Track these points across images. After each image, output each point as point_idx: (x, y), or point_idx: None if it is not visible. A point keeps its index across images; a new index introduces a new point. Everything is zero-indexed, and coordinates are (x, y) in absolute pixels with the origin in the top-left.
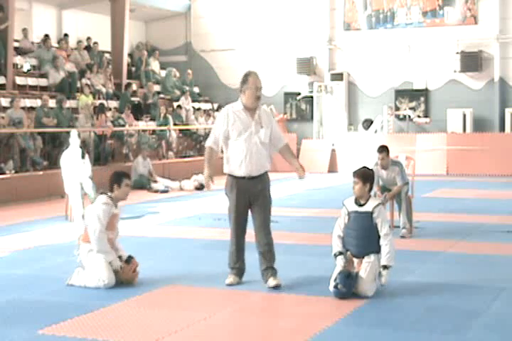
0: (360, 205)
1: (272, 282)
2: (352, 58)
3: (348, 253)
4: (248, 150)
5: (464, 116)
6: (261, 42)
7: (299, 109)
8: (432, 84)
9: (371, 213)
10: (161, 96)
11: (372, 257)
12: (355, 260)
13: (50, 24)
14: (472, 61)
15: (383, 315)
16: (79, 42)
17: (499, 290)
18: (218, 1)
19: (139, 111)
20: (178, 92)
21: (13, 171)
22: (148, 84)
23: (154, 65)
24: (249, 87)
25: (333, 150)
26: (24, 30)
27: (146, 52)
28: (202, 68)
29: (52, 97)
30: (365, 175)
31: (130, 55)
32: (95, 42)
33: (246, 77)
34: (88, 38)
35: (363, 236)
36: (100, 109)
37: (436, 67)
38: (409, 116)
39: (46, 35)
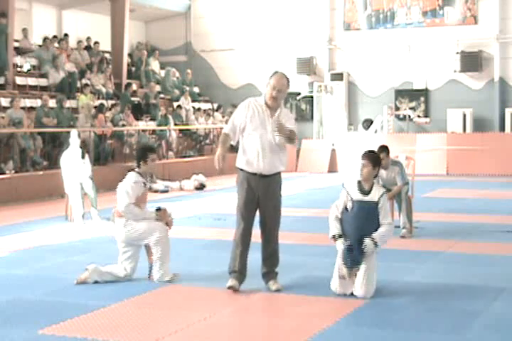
0: (365, 194)
1: (272, 286)
2: (352, 58)
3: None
4: (262, 147)
5: (464, 116)
6: (261, 42)
7: (299, 109)
8: (431, 84)
9: (377, 203)
10: (161, 96)
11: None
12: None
13: (50, 24)
14: (472, 61)
15: (383, 315)
16: (79, 42)
17: (499, 290)
18: (218, 1)
19: (139, 111)
20: (177, 92)
21: (13, 171)
22: (150, 84)
23: (154, 64)
24: (270, 83)
25: (333, 150)
26: (24, 30)
27: (146, 52)
28: (202, 68)
29: (52, 97)
30: (375, 159)
31: (130, 55)
32: (95, 42)
33: (271, 76)
34: (88, 38)
35: (366, 227)
36: (100, 109)
37: (436, 67)
38: (409, 116)
39: (49, 37)
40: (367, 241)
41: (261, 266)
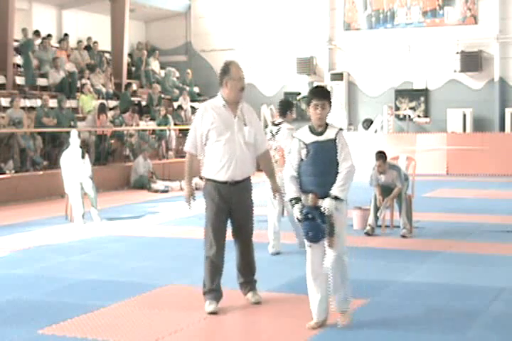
0: (319, 134)
1: (252, 298)
2: (352, 58)
3: (311, 195)
4: (231, 152)
5: (464, 116)
6: (261, 42)
7: (299, 109)
8: (431, 84)
9: (334, 141)
10: (162, 96)
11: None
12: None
13: (50, 24)
14: (472, 61)
15: (383, 315)
16: (79, 42)
17: (499, 290)
18: (218, 1)
19: (140, 111)
20: (177, 92)
21: (13, 171)
22: (153, 85)
23: (154, 64)
24: (232, 77)
25: None
26: (24, 30)
27: (146, 52)
28: (202, 68)
29: (52, 97)
30: (328, 95)
31: (130, 55)
32: (94, 42)
33: (227, 67)
34: (88, 38)
35: (329, 171)
36: (101, 109)
37: (436, 67)
38: (409, 116)
39: (49, 35)
40: (324, 202)
41: (237, 276)
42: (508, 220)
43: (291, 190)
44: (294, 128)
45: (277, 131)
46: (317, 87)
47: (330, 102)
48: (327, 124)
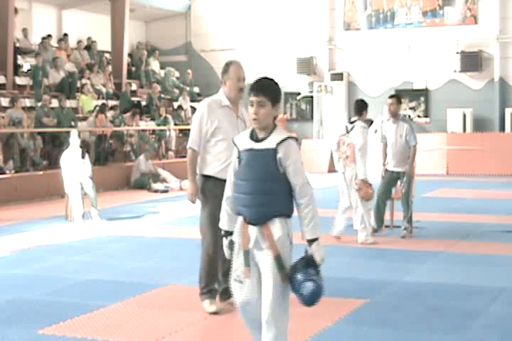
0: (257, 141)
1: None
2: (352, 58)
3: (240, 218)
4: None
5: (464, 116)
6: (261, 42)
7: (299, 109)
8: (431, 84)
9: (274, 151)
10: (162, 96)
11: (277, 224)
12: (252, 230)
13: (50, 24)
14: (472, 61)
15: (383, 315)
16: (79, 42)
17: (499, 290)
18: (218, 1)
19: (140, 112)
20: (177, 92)
21: (13, 171)
22: (153, 85)
23: (154, 64)
24: (231, 77)
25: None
26: (24, 30)
27: (146, 52)
28: (202, 68)
29: (52, 97)
30: (269, 89)
31: (130, 55)
32: (93, 42)
33: (227, 67)
34: (88, 38)
35: (263, 190)
36: (100, 109)
37: (436, 67)
38: (409, 116)
39: (49, 35)
40: (312, 248)
41: (219, 282)
42: (508, 220)
43: (222, 218)
44: (367, 127)
45: (352, 128)
46: (260, 78)
47: (274, 99)
48: (274, 129)
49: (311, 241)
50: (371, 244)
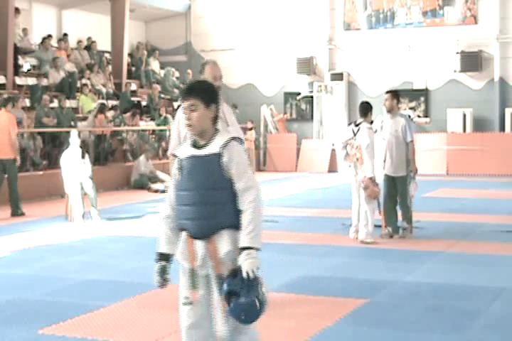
0: (199, 148)
1: None
2: (352, 58)
3: (184, 234)
4: None
5: (464, 116)
6: (261, 42)
7: (299, 109)
8: (431, 84)
9: (218, 155)
10: (161, 96)
11: (225, 237)
12: (198, 245)
13: (50, 24)
14: (472, 61)
15: (383, 315)
16: (79, 42)
17: (499, 290)
18: (218, 1)
19: (140, 113)
20: (177, 92)
21: None
22: (153, 86)
23: (154, 64)
24: (206, 76)
25: (333, 150)
26: (24, 30)
27: (146, 52)
28: None
29: (52, 97)
30: (201, 91)
31: (130, 55)
32: (93, 41)
33: (202, 67)
34: (88, 38)
35: (206, 200)
36: (100, 109)
37: (436, 67)
38: (409, 116)
39: (50, 35)
40: (243, 258)
41: None
42: (508, 220)
43: (159, 239)
44: (373, 128)
45: (358, 130)
46: (189, 82)
47: (205, 99)
48: (215, 133)
49: (242, 249)
50: (371, 243)
